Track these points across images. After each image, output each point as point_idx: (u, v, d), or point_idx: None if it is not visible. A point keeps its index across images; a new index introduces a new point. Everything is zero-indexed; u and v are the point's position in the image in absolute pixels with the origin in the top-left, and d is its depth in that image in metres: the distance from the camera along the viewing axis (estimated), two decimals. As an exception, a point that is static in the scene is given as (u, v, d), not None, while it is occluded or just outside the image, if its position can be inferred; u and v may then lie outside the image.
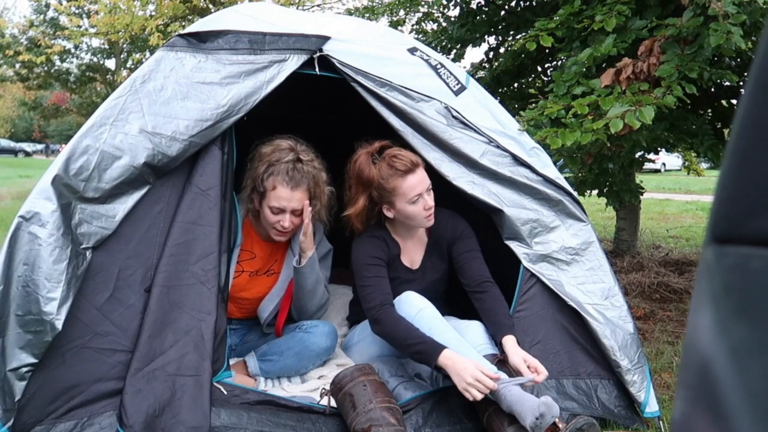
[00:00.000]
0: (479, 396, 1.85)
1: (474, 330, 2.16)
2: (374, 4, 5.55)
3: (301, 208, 2.23)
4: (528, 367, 1.95)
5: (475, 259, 2.27)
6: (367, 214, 2.24)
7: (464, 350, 1.99)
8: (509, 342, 2.05)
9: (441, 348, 1.93)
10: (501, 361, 2.04)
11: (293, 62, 2.04)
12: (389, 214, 2.22)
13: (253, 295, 2.40)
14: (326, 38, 2.09)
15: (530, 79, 4.64)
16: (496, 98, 2.43)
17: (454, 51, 4.45)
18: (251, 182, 2.25)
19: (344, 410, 1.94)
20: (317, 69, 2.09)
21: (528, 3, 4.29)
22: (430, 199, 2.17)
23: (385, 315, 2.07)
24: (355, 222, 2.24)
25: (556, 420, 1.83)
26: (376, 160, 2.18)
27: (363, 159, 2.20)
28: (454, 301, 2.46)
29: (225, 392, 1.92)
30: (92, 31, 12.42)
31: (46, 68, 19.11)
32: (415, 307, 2.10)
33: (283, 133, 2.34)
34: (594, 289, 2.21)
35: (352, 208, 2.21)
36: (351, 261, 2.24)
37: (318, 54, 2.07)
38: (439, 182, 2.20)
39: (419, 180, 2.14)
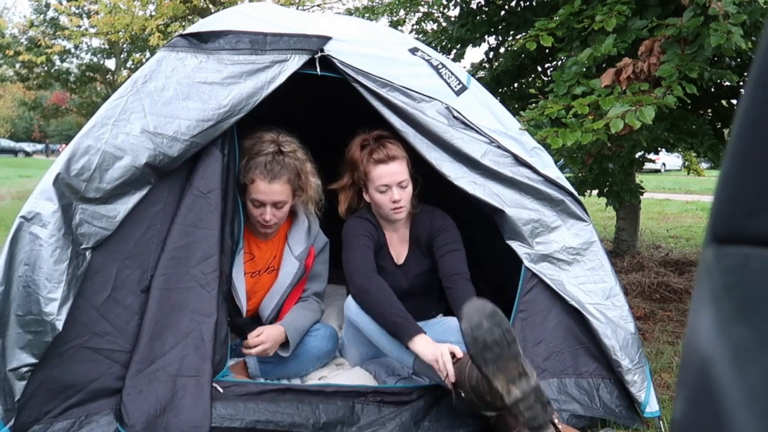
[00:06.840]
0: (444, 371, 1.86)
1: None
2: (374, 4, 5.55)
3: (284, 201, 2.24)
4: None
5: (450, 253, 2.31)
6: (351, 195, 2.39)
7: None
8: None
9: (419, 330, 1.97)
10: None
11: (294, 62, 2.04)
12: (366, 198, 2.36)
13: (259, 297, 2.39)
14: (327, 38, 2.09)
15: (530, 79, 4.63)
16: (496, 98, 2.43)
17: (454, 51, 4.44)
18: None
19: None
20: (318, 69, 2.09)
21: (528, 3, 4.28)
22: (398, 194, 2.25)
23: (369, 281, 2.12)
24: (340, 197, 2.39)
25: (553, 414, 1.83)
26: (367, 145, 2.30)
27: (357, 141, 2.34)
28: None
29: (221, 390, 1.92)
30: (92, 31, 12.43)
31: (46, 68, 19.12)
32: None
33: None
34: (595, 289, 2.21)
35: (337, 183, 2.38)
36: (342, 238, 2.30)
37: (319, 54, 2.07)
38: (439, 182, 2.21)
39: (390, 172, 2.24)
